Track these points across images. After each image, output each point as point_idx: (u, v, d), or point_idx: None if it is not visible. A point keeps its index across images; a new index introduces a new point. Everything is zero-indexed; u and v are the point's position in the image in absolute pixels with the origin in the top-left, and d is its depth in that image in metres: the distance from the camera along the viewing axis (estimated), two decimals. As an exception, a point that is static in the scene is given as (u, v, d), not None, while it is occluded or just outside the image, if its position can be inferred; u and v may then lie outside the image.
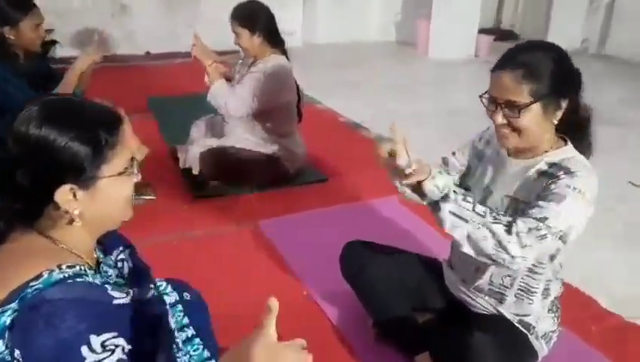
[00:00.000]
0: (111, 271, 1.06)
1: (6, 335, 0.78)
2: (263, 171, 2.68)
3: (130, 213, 1.01)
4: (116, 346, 0.82)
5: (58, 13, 5.69)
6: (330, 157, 3.16)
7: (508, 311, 1.48)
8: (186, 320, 1.18)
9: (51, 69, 2.73)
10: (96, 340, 0.80)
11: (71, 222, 0.90)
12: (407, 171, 1.15)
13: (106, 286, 0.90)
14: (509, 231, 1.20)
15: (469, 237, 1.22)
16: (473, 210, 1.22)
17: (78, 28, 5.85)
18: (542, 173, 1.33)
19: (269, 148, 2.67)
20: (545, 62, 1.27)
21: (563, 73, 1.30)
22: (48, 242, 0.90)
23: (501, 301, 1.50)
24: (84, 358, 0.78)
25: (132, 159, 0.97)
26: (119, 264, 1.11)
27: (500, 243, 1.20)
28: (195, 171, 2.59)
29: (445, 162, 1.61)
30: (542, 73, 1.26)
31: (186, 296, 1.22)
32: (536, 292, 1.45)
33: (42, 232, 0.91)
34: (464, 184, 1.59)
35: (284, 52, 2.64)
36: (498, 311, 1.50)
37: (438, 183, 1.20)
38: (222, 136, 2.76)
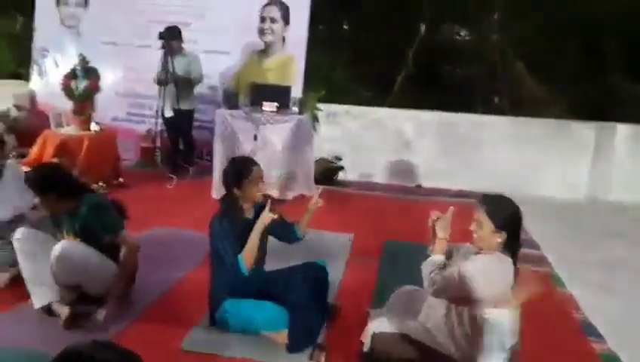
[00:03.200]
0: None
1: None
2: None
3: None
4: None
5: (352, 145, 6.60)
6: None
7: None
8: None
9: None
10: None
11: None
12: None
13: None
14: None
15: None
16: None
17: (365, 158, 6.63)
18: None
19: (457, 348, 2.46)
20: None
21: None
22: None
23: None
24: None
25: None
26: None
27: None
28: (365, 348, 2.59)
29: None
30: None
31: None
32: None
33: None
34: None
35: (514, 256, 2.42)
36: None
37: None
38: (418, 313, 2.66)
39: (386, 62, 7.43)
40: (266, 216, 2.68)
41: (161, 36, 5.73)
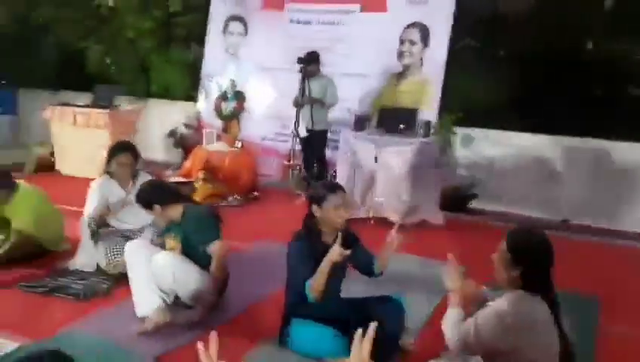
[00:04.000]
0: None
1: None
2: None
3: None
4: None
5: (489, 171, 6.20)
6: None
7: None
8: None
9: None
10: None
11: None
12: None
13: None
14: None
15: None
16: None
17: (503, 187, 6.15)
18: None
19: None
20: None
21: None
22: None
23: None
24: None
25: None
26: None
27: None
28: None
29: None
30: None
31: None
32: None
33: None
34: None
35: (548, 300, 2.11)
36: None
37: None
38: None
39: (540, 84, 6.79)
40: (335, 252, 2.58)
41: (300, 60, 6.07)
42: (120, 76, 8.24)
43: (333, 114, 6.41)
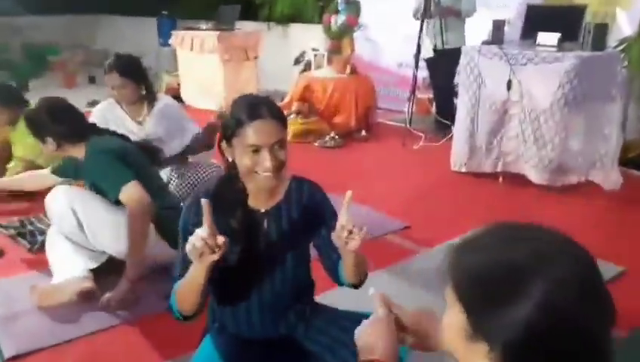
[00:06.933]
0: None
1: None
2: None
3: None
4: None
5: None
6: None
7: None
8: None
9: None
10: None
11: None
12: None
13: None
14: None
15: None
16: None
17: None
18: None
19: None
20: None
21: None
22: None
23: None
24: None
25: None
26: None
27: None
28: None
29: None
30: None
31: None
32: None
33: None
34: None
35: None
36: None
37: None
38: None
39: None
40: (191, 242, 1.18)
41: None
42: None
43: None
